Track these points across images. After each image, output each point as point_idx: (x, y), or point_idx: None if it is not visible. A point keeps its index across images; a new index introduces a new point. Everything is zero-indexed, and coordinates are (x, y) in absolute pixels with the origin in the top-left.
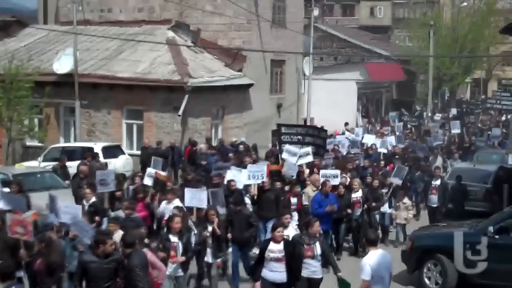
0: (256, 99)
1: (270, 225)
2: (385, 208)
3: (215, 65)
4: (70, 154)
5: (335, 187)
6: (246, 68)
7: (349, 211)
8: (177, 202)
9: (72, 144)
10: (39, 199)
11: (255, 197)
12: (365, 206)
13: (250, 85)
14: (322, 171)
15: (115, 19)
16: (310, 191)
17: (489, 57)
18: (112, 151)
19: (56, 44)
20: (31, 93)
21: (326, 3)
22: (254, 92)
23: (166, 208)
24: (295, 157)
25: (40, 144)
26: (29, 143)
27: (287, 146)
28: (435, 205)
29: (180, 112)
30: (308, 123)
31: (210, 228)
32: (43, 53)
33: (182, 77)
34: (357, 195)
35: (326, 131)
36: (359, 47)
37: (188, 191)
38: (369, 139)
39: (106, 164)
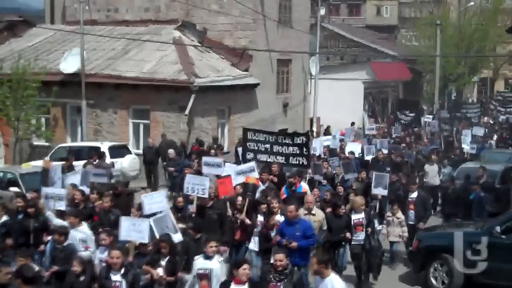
0: (262, 99)
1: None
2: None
3: (221, 64)
4: (77, 153)
5: (335, 206)
6: (252, 67)
7: (348, 234)
8: (84, 228)
9: (79, 143)
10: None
11: (192, 215)
12: (368, 229)
13: (256, 84)
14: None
15: (122, 18)
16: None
17: (496, 57)
18: (119, 150)
19: (63, 44)
20: (38, 92)
21: (332, 2)
22: (260, 92)
23: (73, 237)
24: (219, 168)
25: (47, 144)
26: (36, 142)
27: (205, 158)
28: (411, 223)
29: (187, 112)
30: (314, 123)
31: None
32: (49, 53)
33: (188, 76)
34: (359, 216)
35: (306, 134)
36: (365, 46)
37: (124, 221)
38: (353, 147)
39: (112, 163)
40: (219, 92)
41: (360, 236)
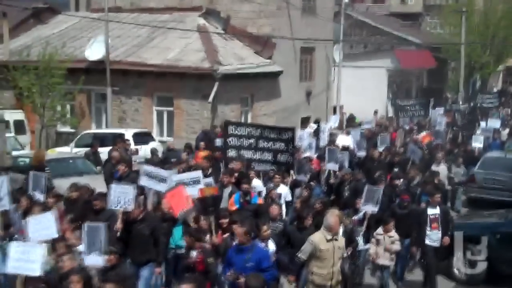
0: (285, 87)
1: (145, 273)
2: (360, 243)
3: (244, 52)
4: (102, 140)
5: (300, 218)
6: (275, 55)
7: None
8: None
9: (103, 130)
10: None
11: (118, 232)
12: (348, 250)
13: (280, 72)
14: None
15: (146, 6)
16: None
17: None
18: (143, 137)
19: (88, 31)
20: (63, 80)
21: None
22: (284, 80)
23: None
24: (162, 184)
25: (72, 130)
26: (61, 129)
27: (147, 167)
28: (435, 244)
29: (210, 100)
30: (337, 111)
31: None
32: (74, 40)
33: (212, 64)
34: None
35: (292, 129)
36: (389, 34)
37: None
38: (343, 140)
39: (137, 150)
40: (243, 80)
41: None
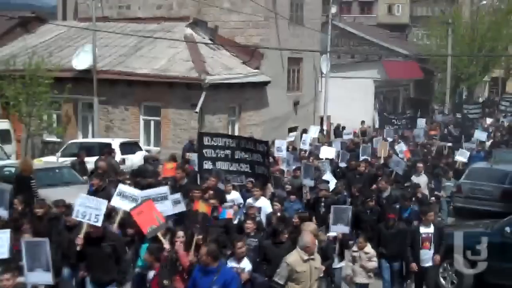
0: (273, 97)
1: None
2: (335, 261)
3: (232, 62)
4: (88, 149)
5: (275, 233)
6: (263, 65)
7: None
8: None
9: (90, 140)
10: (56, 194)
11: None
12: (323, 267)
13: (267, 82)
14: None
15: (134, 15)
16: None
17: (507, 56)
18: (130, 147)
19: (75, 40)
20: (50, 89)
21: (344, 0)
22: (271, 90)
23: None
24: (133, 204)
25: (58, 140)
26: (47, 138)
27: (122, 187)
28: (428, 265)
29: (197, 109)
30: (325, 121)
31: None
32: (62, 49)
33: (199, 74)
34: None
35: (266, 142)
36: (376, 45)
37: None
38: (326, 152)
39: (123, 160)
40: (230, 90)
41: None
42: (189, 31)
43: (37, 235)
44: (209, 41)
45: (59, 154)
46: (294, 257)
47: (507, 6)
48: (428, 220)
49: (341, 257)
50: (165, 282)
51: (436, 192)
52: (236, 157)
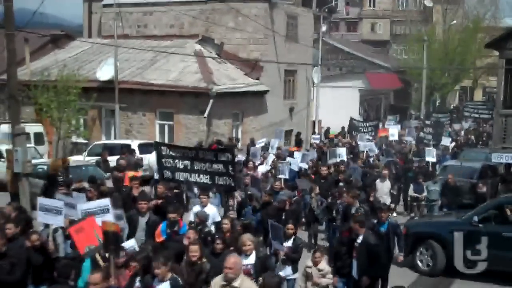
0: (271, 104)
1: None
2: (286, 271)
3: (236, 74)
4: (111, 150)
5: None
6: (262, 76)
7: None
8: None
9: (112, 141)
10: None
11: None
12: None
13: (266, 91)
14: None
15: (150, 33)
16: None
17: (475, 69)
18: (147, 147)
19: (99, 55)
20: (78, 98)
21: (332, 20)
22: (270, 98)
23: None
24: (58, 217)
25: (85, 141)
26: (75, 140)
27: (42, 200)
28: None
29: (206, 115)
30: (316, 126)
31: None
32: (88, 63)
33: (207, 84)
34: (247, 261)
35: (231, 150)
36: (361, 59)
37: None
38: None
39: (141, 158)
40: (234, 98)
41: None
42: (198, 47)
43: None
44: (216, 56)
45: (85, 153)
46: (217, 280)
47: (474, 25)
48: (360, 230)
49: (295, 268)
50: None
51: (416, 195)
52: (196, 168)
